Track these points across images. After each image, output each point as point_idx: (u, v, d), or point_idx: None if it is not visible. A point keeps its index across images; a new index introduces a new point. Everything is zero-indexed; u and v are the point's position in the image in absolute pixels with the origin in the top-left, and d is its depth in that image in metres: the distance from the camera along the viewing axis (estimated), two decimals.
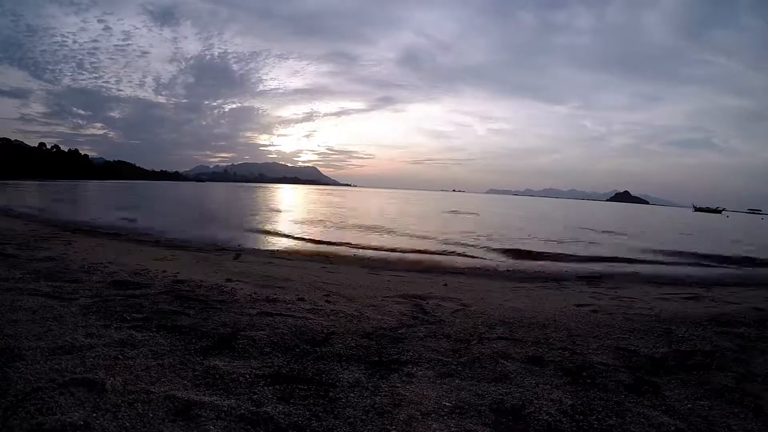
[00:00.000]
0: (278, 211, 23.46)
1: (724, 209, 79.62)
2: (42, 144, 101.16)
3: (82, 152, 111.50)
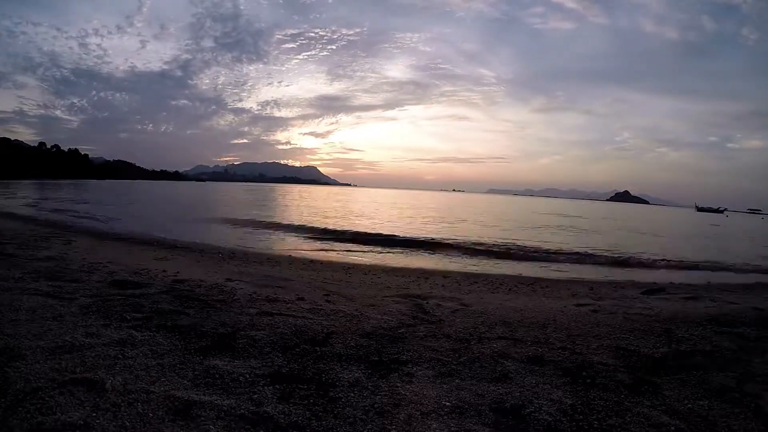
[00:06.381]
0: None
1: (725, 209, 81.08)
2: (42, 143, 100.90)
3: (82, 152, 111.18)
